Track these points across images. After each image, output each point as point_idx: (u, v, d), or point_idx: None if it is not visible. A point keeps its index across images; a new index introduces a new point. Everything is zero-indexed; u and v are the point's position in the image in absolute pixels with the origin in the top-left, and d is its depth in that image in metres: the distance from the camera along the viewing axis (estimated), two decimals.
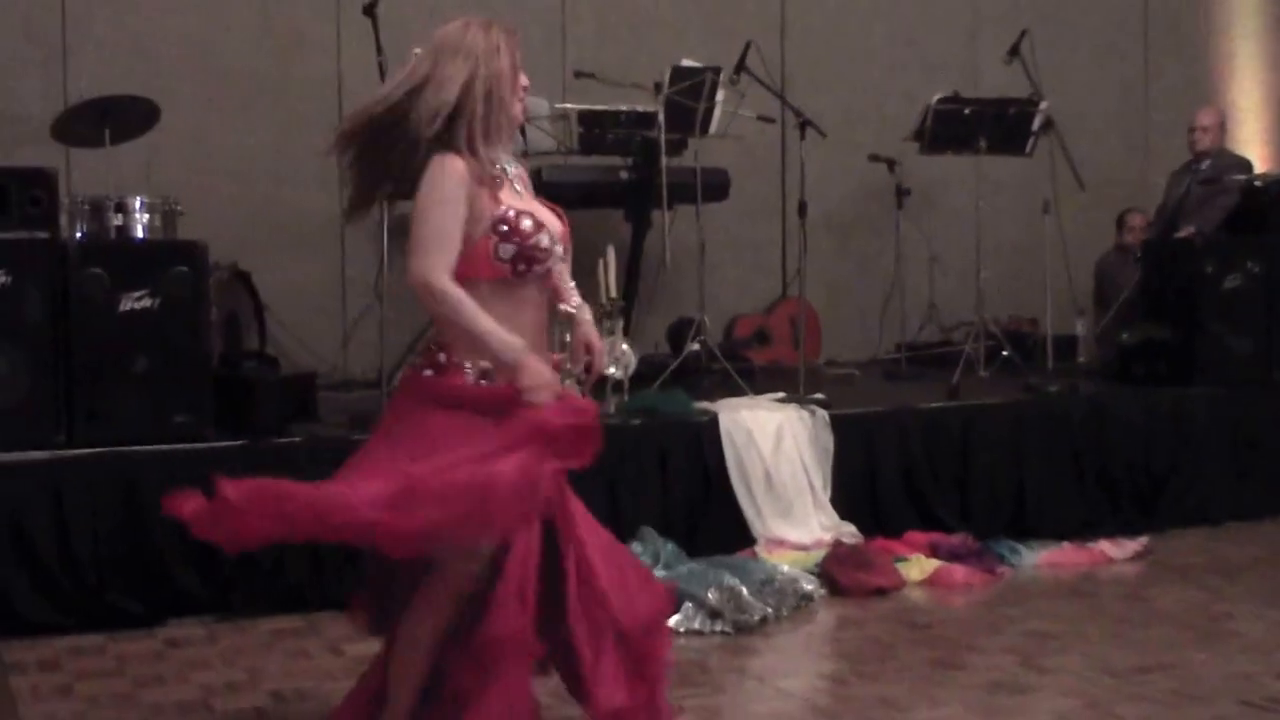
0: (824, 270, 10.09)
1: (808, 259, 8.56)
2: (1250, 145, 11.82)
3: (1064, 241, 9.02)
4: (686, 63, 8.69)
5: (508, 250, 4.07)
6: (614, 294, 7.49)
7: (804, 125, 8.48)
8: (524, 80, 4.23)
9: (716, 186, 9.08)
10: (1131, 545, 7.61)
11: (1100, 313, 10.14)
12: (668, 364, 8.34)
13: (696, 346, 8.42)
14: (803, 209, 8.30)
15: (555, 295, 4.33)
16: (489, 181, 4.08)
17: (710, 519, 7.11)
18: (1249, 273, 8.72)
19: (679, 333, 9.02)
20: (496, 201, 4.08)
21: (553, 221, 4.20)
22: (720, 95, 8.78)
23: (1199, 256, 8.69)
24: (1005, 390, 8.37)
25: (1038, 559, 7.37)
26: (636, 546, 6.71)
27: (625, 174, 8.88)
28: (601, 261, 7.43)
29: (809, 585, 6.56)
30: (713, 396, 7.74)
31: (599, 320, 7.65)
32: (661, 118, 8.36)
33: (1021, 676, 5.44)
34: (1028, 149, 9.29)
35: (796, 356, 8.39)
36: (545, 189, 8.78)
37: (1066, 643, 5.89)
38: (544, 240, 4.11)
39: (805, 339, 8.76)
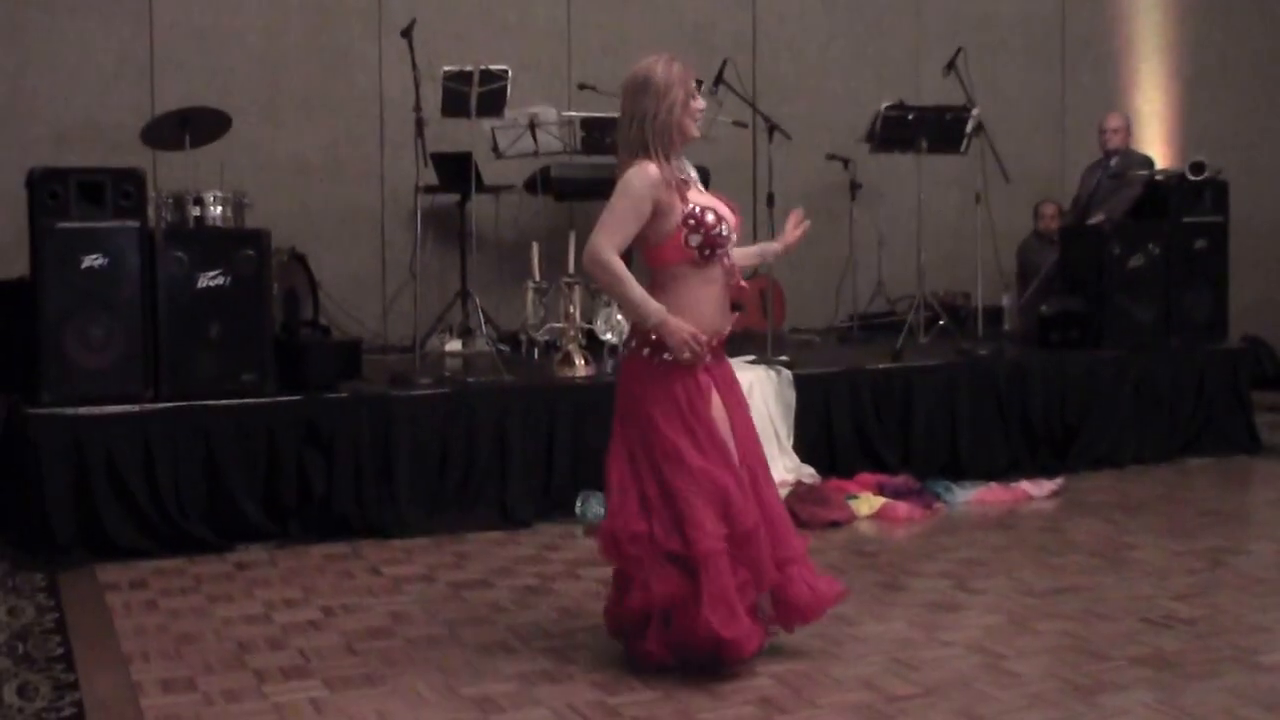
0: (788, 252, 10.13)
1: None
2: (1153, 145, 11.83)
3: (992, 227, 9.03)
4: None
5: (695, 239, 4.39)
6: None
7: (772, 129, 8.49)
8: (699, 104, 4.56)
9: (699, 182, 9.08)
10: (1049, 485, 7.63)
11: (1022, 288, 10.16)
12: None
13: None
14: (770, 200, 8.32)
15: (730, 274, 4.55)
16: (678, 184, 4.40)
17: None
18: (1150, 254, 8.74)
19: None
20: (686, 200, 4.39)
21: (729, 214, 4.51)
22: (701, 103, 8.76)
23: (1108, 240, 8.69)
24: (942, 354, 8.38)
25: (969, 497, 7.40)
26: None
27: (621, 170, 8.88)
28: None
29: None
30: None
31: (597, 294, 7.72)
32: None
33: (955, 596, 5.48)
34: (962, 148, 9.26)
35: (765, 324, 8.42)
36: (553, 184, 8.90)
37: (993, 568, 5.92)
38: (723, 230, 4.43)
39: (772, 309, 8.80)
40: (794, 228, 4.82)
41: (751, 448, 4.58)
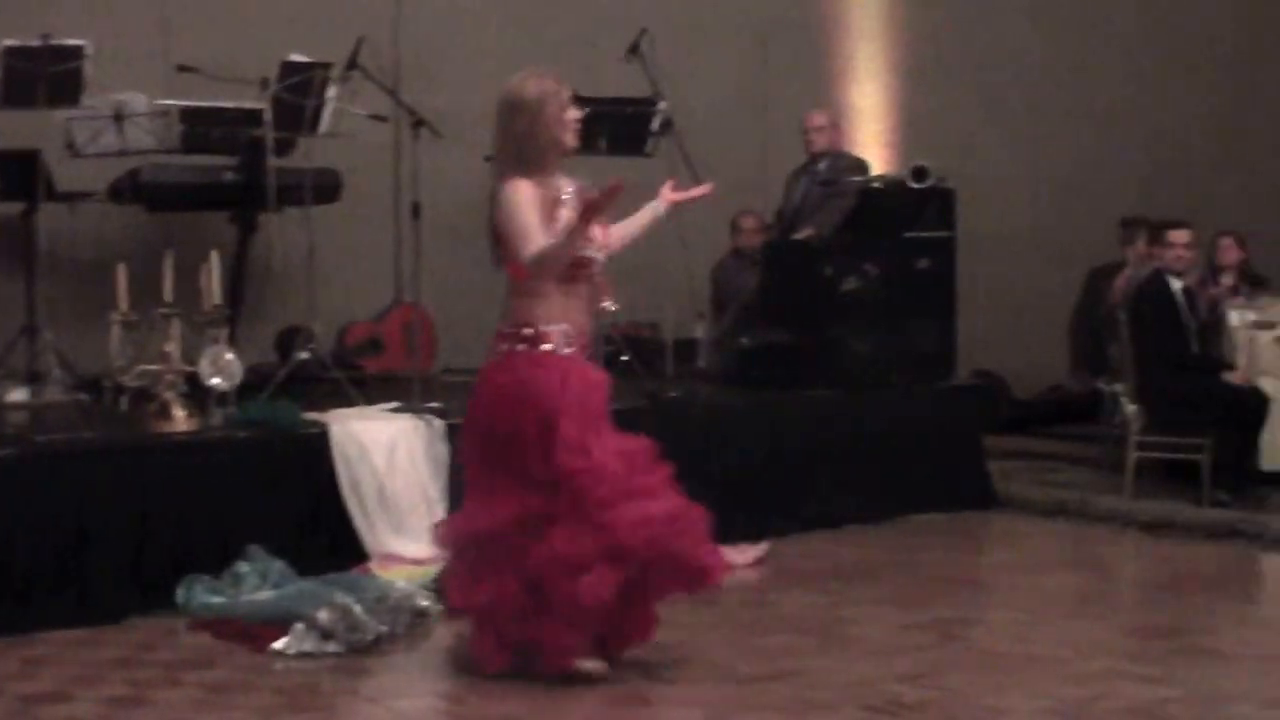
0: (440, 275, 10.12)
1: (422, 263, 8.59)
2: (869, 148, 12.25)
3: (684, 244, 9.20)
4: (295, 57, 8.61)
5: None
6: (217, 300, 7.41)
7: (418, 124, 8.50)
8: (576, 114, 5.58)
9: (327, 188, 9.03)
10: (753, 551, 7.77)
11: (719, 316, 10.34)
12: (276, 374, 8.26)
13: (306, 355, 8.35)
14: (416, 211, 8.32)
15: (599, 292, 5.70)
16: (550, 204, 5.45)
17: (321, 535, 7.06)
18: (867, 275, 8.98)
19: (288, 341, 8.93)
20: (555, 220, 5.41)
21: (598, 233, 5.51)
22: (331, 92, 8.72)
23: (818, 259, 8.88)
24: (625, 396, 8.38)
25: None
26: (244, 566, 6.65)
27: (230, 174, 8.75)
28: (204, 267, 7.34)
29: (425, 601, 6.52)
30: (323, 407, 7.67)
31: (201, 329, 7.57)
32: (269, 115, 8.28)
33: (644, 688, 5.54)
34: (647, 149, 9.45)
35: (410, 364, 8.40)
36: (144, 191, 8.70)
37: (689, 652, 5.98)
38: (589, 251, 5.47)
39: (420, 346, 8.78)
40: (672, 189, 6.03)
41: None
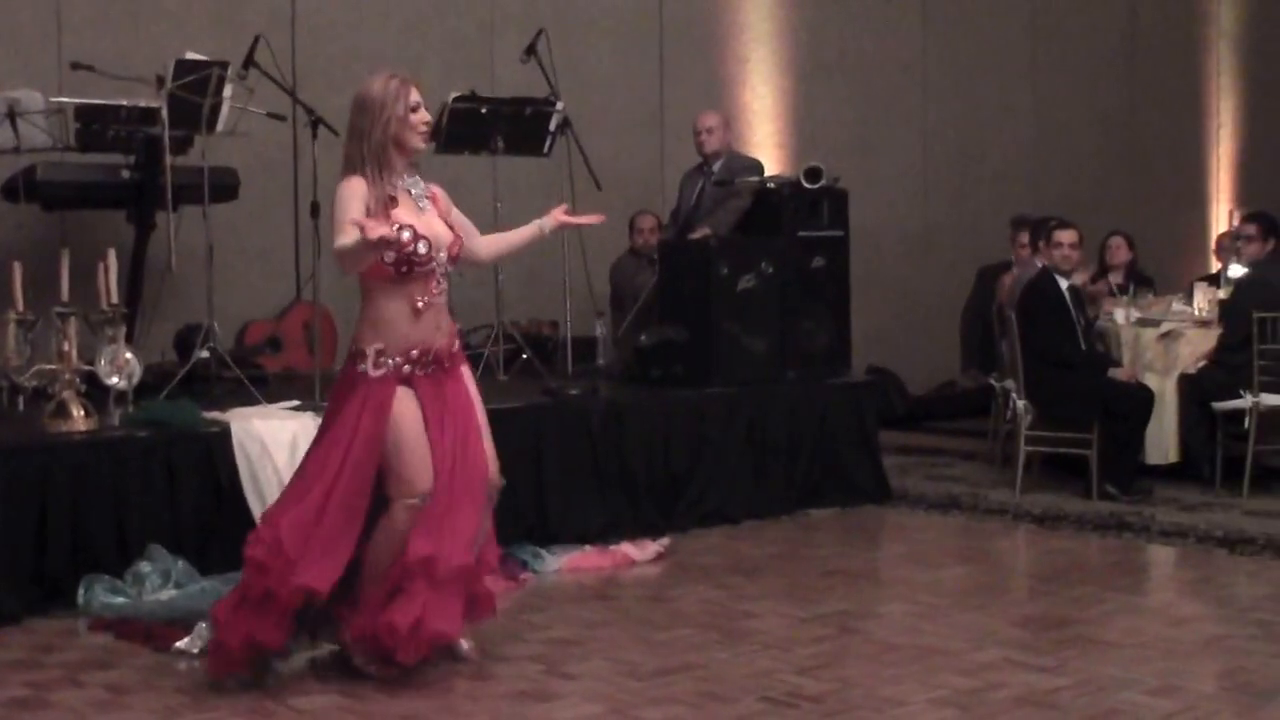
0: (338, 274, 10.07)
1: (321, 262, 8.55)
2: (763, 148, 12.35)
3: (582, 244, 9.23)
4: (191, 55, 8.53)
5: (390, 256, 5.42)
6: (115, 300, 7.33)
7: (316, 123, 8.45)
8: (420, 116, 5.60)
9: (225, 186, 8.95)
10: (653, 546, 7.83)
11: (618, 315, 10.38)
12: (175, 373, 8.20)
13: (205, 354, 8.29)
14: (315, 209, 8.27)
15: (434, 291, 5.62)
16: (385, 201, 5.47)
17: (223, 534, 6.97)
18: (762, 273, 9.02)
19: (187, 340, 8.85)
20: (388, 217, 5.41)
21: (440, 233, 5.58)
22: (228, 91, 8.64)
23: (713, 258, 8.90)
24: (525, 394, 8.46)
25: (560, 564, 7.53)
26: (145, 565, 6.61)
27: (127, 173, 8.63)
28: (102, 265, 7.26)
29: None
30: (224, 406, 7.60)
31: (99, 328, 7.49)
32: (165, 114, 8.20)
33: (546, 684, 5.56)
34: (545, 149, 9.46)
35: (311, 362, 8.36)
36: (39, 189, 8.59)
37: (590, 648, 6.03)
38: (419, 248, 5.47)
39: (320, 344, 8.73)
40: (563, 212, 6.03)
41: (453, 464, 5.58)
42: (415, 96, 5.58)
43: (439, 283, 5.63)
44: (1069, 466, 9.59)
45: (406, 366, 5.56)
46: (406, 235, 5.44)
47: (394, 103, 5.52)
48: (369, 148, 5.50)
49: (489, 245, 6.07)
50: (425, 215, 5.60)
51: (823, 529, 8.60)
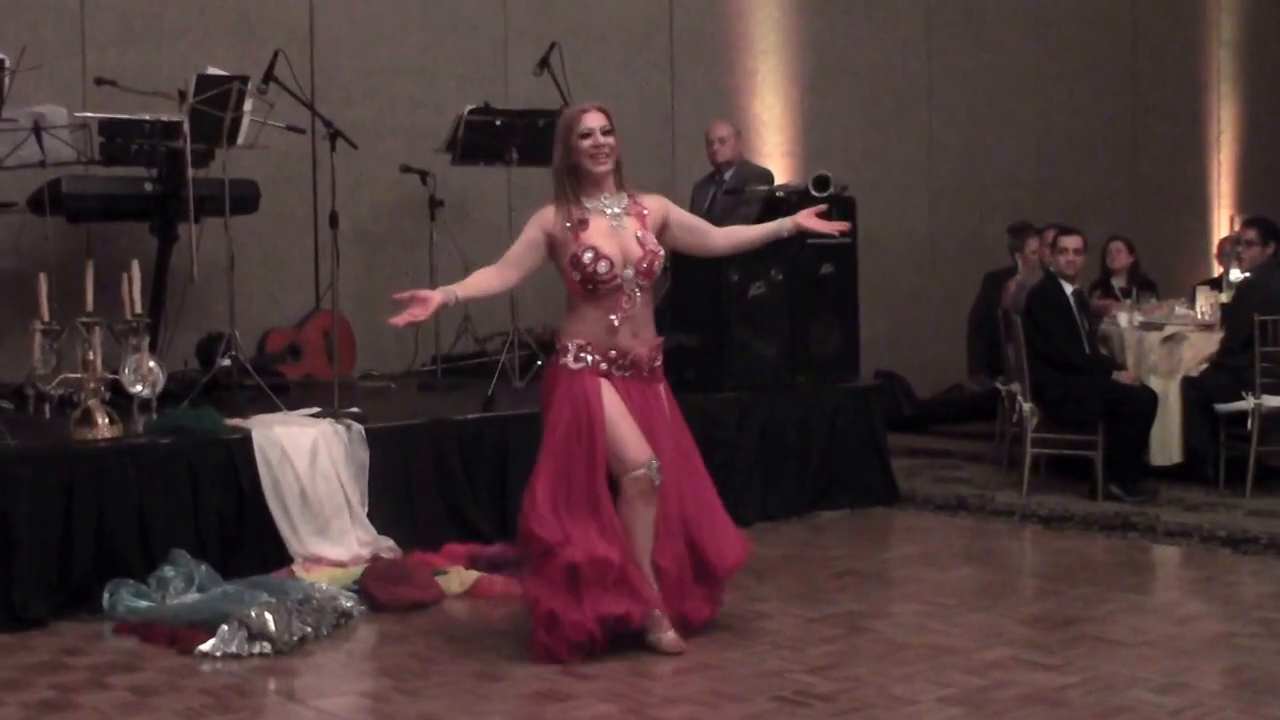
0: (357, 283, 10.12)
1: (340, 271, 8.56)
2: (771, 158, 12.35)
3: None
4: (212, 71, 8.55)
5: (576, 275, 5.86)
6: (138, 310, 7.34)
7: (334, 136, 8.47)
8: (589, 142, 5.85)
9: (246, 198, 8.97)
10: None
11: None
12: (197, 381, 8.21)
13: (227, 362, 8.31)
14: (334, 220, 8.29)
15: (625, 305, 5.92)
16: (576, 224, 5.86)
17: (245, 539, 7.03)
18: (772, 280, 9.01)
19: (209, 348, 8.87)
20: (578, 240, 5.82)
21: (621, 253, 5.83)
22: (248, 105, 8.66)
23: (724, 265, 8.91)
24: (540, 400, 8.46)
25: None
26: (169, 570, 6.61)
27: (150, 186, 8.65)
28: (125, 276, 7.28)
29: (348, 602, 6.53)
30: (245, 413, 7.62)
31: (123, 337, 7.51)
32: (187, 127, 8.22)
33: (563, 684, 5.54)
34: None
35: (330, 370, 8.36)
36: (65, 202, 8.61)
37: (607, 648, 5.92)
38: (600, 269, 5.81)
39: (339, 352, 8.75)
40: (813, 215, 6.48)
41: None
42: (587, 124, 5.86)
43: (629, 297, 5.90)
44: (1074, 468, 9.56)
45: (604, 364, 5.90)
46: (588, 257, 5.80)
47: (568, 133, 5.88)
48: (558, 175, 5.91)
49: (726, 238, 6.41)
50: (620, 234, 5.88)
51: (833, 530, 8.60)
